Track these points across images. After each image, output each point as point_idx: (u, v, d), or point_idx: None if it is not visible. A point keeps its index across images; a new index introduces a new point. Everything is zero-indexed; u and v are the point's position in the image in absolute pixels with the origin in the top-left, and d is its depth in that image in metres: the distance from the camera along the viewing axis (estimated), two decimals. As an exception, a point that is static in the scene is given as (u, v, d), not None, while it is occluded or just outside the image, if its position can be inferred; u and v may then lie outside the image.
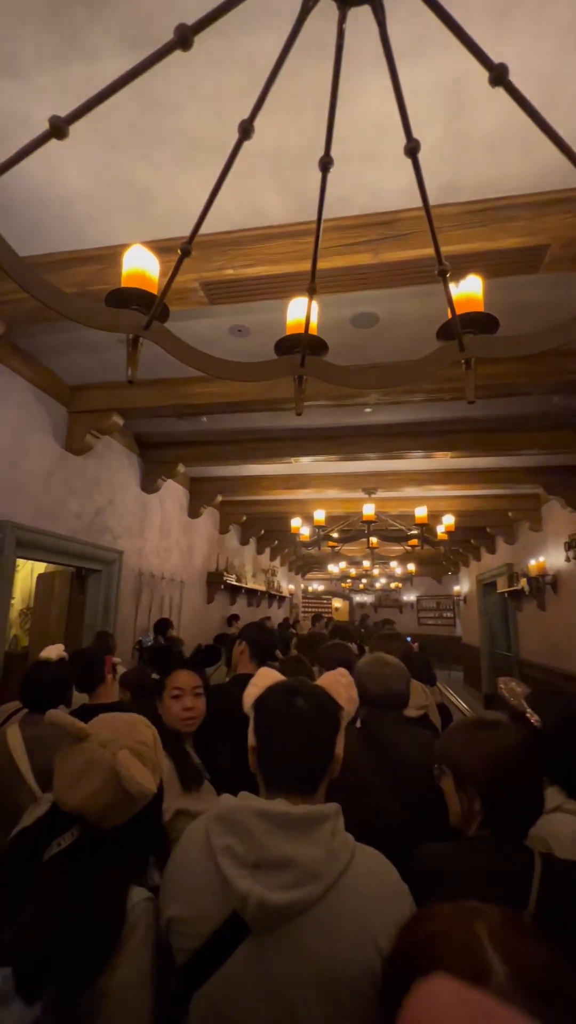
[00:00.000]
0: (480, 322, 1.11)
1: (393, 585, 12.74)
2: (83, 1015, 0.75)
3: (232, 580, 6.62)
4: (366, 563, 8.44)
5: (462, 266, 1.80)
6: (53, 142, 0.97)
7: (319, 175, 1.09)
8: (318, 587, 15.20)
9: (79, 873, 0.85)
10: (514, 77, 0.82)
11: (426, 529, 4.91)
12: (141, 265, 1.10)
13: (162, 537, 4.99)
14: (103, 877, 0.85)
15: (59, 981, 0.74)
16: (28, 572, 5.58)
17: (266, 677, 1.11)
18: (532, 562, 5.97)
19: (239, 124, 0.93)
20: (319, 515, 5.01)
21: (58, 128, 0.85)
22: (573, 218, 1.72)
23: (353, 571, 10.45)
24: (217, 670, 3.99)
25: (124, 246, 2.04)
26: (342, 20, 0.90)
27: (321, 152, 1.77)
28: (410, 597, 14.90)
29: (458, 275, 1.12)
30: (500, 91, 0.83)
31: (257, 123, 0.94)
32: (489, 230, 1.79)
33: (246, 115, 1.72)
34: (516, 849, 0.94)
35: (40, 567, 4.85)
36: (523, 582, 6.25)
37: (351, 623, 11.10)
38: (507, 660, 7.37)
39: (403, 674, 1.73)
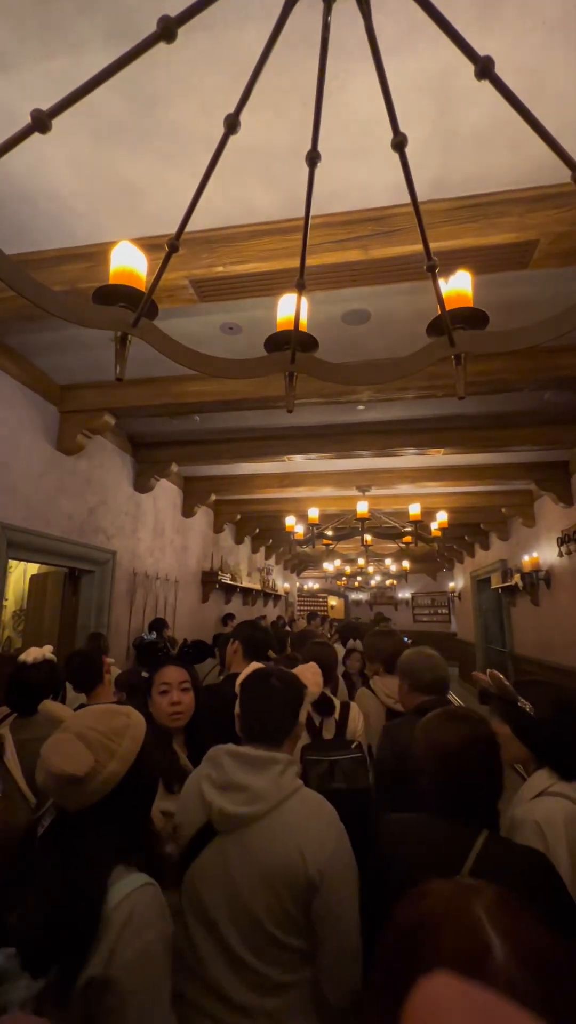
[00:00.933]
0: (470, 317, 1.11)
1: (388, 583, 12.77)
2: (91, 999, 0.76)
3: (227, 579, 6.61)
4: (361, 561, 8.46)
5: (452, 262, 1.80)
6: (40, 138, 0.96)
7: (307, 171, 1.09)
8: (313, 585, 15.21)
9: (57, 853, 0.89)
10: (501, 71, 0.82)
11: (420, 526, 4.93)
12: (129, 262, 1.09)
13: (156, 537, 4.97)
14: (77, 858, 0.88)
15: (58, 961, 0.77)
16: (21, 574, 5.54)
17: (254, 669, 1.44)
18: (525, 558, 6.00)
19: (225, 118, 0.92)
20: (313, 513, 5.01)
21: (41, 122, 0.84)
22: (562, 213, 1.72)
23: (348, 569, 10.46)
24: (212, 670, 3.99)
25: (114, 243, 2.04)
26: (327, 13, 0.89)
27: (308, 148, 1.77)
28: (405, 594, 14.94)
29: (448, 271, 1.12)
30: (488, 86, 0.83)
31: (246, 119, 0.93)
32: (479, 226, 1.79)
33: (233, 108, 1.71)
34: (464, 827, 1.05)
35: (33, 568, 4.82)
36: (517, 578, 6.28)
37: (357, 621, 11.11)
38: (501, 655, 7.41)
39: (444, 663, 1.93)
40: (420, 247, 1.86)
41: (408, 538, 5.09)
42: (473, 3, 1.25)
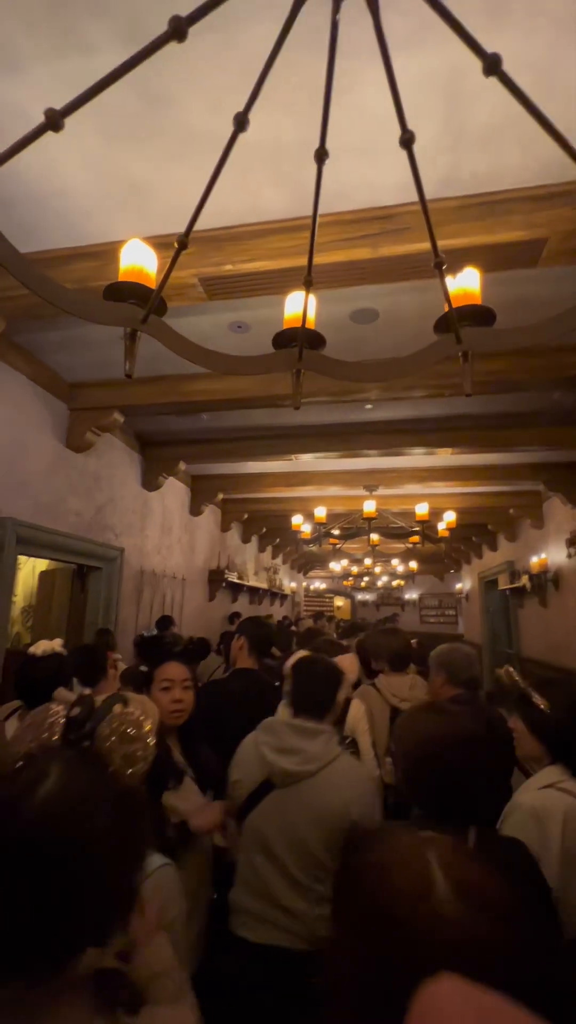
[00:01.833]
0: (477, 314, 1.11)
1: (395, 583, 12.73)
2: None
3: (234, 578, 6.63)
4: (368, 561, 8.44)
5: (460, 259, 1.79)
6: (51, 138, 0.97)
7: (316, 170, 1.10)
8: (320, 585, 15.20)
9: None
10: (510, 69, 0.82)
11: (427, 526, 4.91)
12: (139, 260, 1.11)
13: (163, 535, 5.00)
14: None
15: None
16: (30, 570, 5.59)
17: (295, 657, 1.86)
18: (534, 559, 5.96)
19: (234, 116, 0.93)
20: (320, 512, 5.01)
21: (53, 121, 0.85)
22: (572, 211, 1.71)
23: (355, 569, 10.45)
24: (218, 668, 4.00)
25: (123, 242, 2.06)
26: (336, 11, 0.90)
27: (316, 147, 1.77)
28: (412, 595, 14.88)
29: (456, 269, 1.12)
30: (497, 85, 0.83)
31: (255, 117, 0.94)
32: (487, 223, 1.78)
33: (242, 106, 1.72)
34: (452, 829, 1.00)
35: (42, 564, 4.86)
36: (525, 579, 6.25)
37: (362, 621, 11.10)
38: (508, 657, 7.37)
39: (477, 660, 2.12)
40: (429, 245, 1.86)
41: (415, 538, 5.08)
42: (483, 3, 1.25)
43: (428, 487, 5.56)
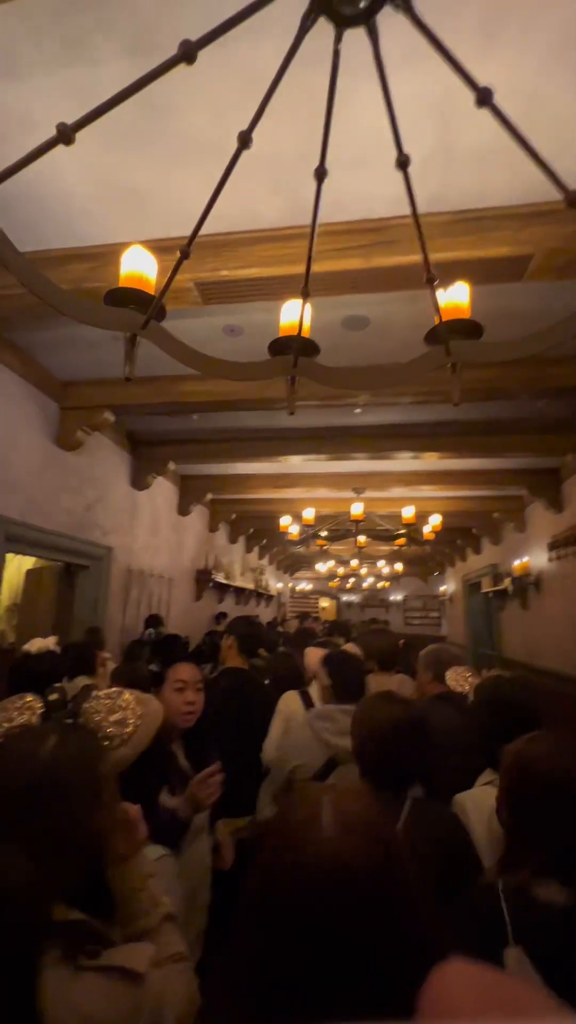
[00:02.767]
0: (466, 328, 1.16)
1: (380, 585, 12.84)
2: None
3: (221, 578, 6.65)
4: (354, 562, 8.52)
5: (449, 273, 1.85)
6: (52, 141, 1.00)
7: (312, 181, 1.14)
8: (306, 586, 15.25)
9: None
10: (500, 94, 0.87)
11: (413, 529, 4.99)
12: (139, 266, 1.14)
13: (151, 534, 5.01)
14: None
15: None
16: (16, 567, 5.55)
17: (315, 652, 2.07)
18: (516, 562, 6.08)
19: (239, 135, 0.98)
20: (308, 514, 5.06)
21: (65, 135, 0.89)
22: (556, 230, 1.79)
23: (341, 570, 10.52)
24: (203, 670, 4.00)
25: (120, 244, 2.08)
26: (338, 40, 0.94)
27: (314, 158, 1.82)
28: (396, 597, 15.02)
29: (445, 282, 1.17)
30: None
31: (254, 129, 0.98)
32: (475, 239, 1.85)
33: (242, 118, 1.75)
34: (394, 796, 1.18)
35: (28, 562, 4.83)
36: (507, 582, 6.37)
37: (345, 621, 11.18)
38: (491, 658, 7.49)
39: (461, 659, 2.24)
40: (419, 257, 1.92)
41: (402, 540, 5.16)
42: (475, 29, 1.31)
43: (414, 490, 5.65)
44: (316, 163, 1.81)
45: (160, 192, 1.86)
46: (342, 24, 0.89)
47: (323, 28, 1.01)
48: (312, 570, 12.42)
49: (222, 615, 6.96)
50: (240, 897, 0.60)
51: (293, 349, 1.21)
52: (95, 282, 2.11)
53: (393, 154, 1.09)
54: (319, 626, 8.20)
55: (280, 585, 12.24)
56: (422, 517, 5.65)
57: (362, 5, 0.84)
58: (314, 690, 2.26)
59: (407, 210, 1.95)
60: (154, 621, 4.54)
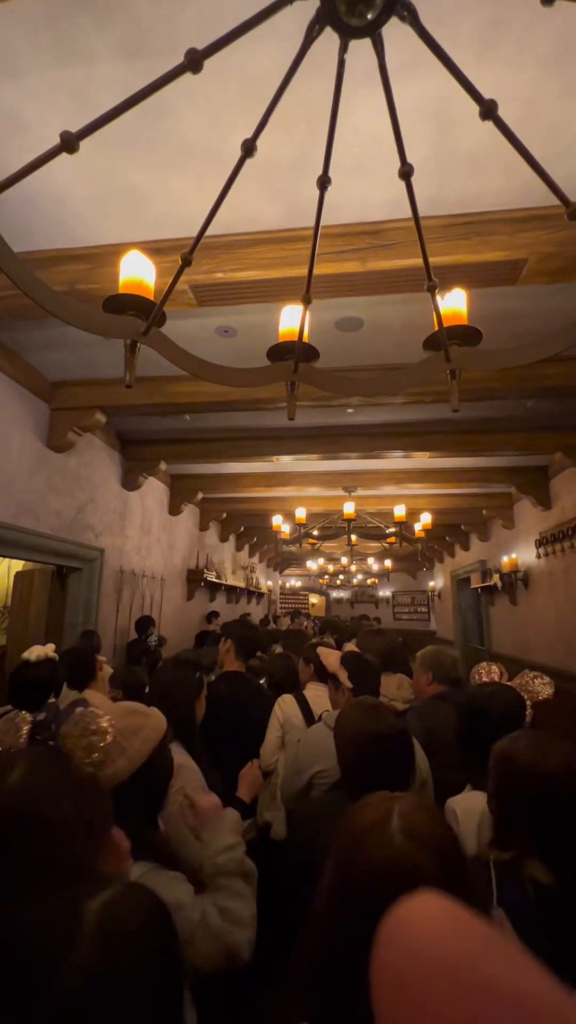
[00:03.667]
0: (465, 334, 1.17)
1: (369, 581, 12.92)
2: None
3: (212, 577, 6.63)
4: (344, 559, 8.56)
5: (444, 276, 1.87)
6: (48, 142, 0.97)
7: (309, 184, 1.13)
8: (295, 583, 15.29)
9: None
10: (498, 101, 0.88)
11: (404, 527, 5.03)
12: (138, 271, 1.13)
13: (143, 534, 4.97)
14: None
15: None
16: (5, 570, 5.48)
17: (331, 654, 2.00)
18: (504, 559, 6.16)
19: (243, 143, 0.97)
20: (300, 513, 5.07)
21: (69, 143, 0.87)
22: (550, 234, 1.81)
23: (331, 567, 10.56)
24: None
25: (114, 246, 2.06)
26: (343, 50, 0.94)
27: (311, 162, 1.82)
28: (386, 593, 15.13)
29: (442, 286, 1.18)
30: (485, 112, 0.89)
31: (252, 132, 0.97)
32: (471, 243, 1.86)
33: (238, 122, 1.75)
34: None
35: (17, 565, 4.78)
36: (496, 578, 6.45)
37: (336, 618, 11.24)
38: (480, 653, 7.59)
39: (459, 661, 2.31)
40: (414, 260, 1.93)
41: (393, 539, 5.19)
42: (472, 38, 1.32)
43: (405, 488, 5.69)
44: (312, 166, 1.81)
45: (155, 194, 1.84)
46: (348, 35, 0.88)
47: (325, 35, 1.01)
48: (302, 567, 12.45)
49: (214, 614, 6.95)
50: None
51: (294, 355, 1.21)
52: (89, 283, 2.09)
53: (389, 158, 1.09)
54: (311, 623, 8.23)
55: (270, 583, 12.25)
56: (412, 514, 5.70)
57: (369, 17, 0.84)
58: (309, 692, 2.27)
59: (403, 213, 1.97)
60: (145, 623, 4.52)
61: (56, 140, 0.88)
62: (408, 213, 0.96)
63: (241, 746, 2.06)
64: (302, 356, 1.20)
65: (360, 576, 11.72)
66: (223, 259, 2.00)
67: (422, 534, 5.46)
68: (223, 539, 7.87)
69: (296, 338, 1.20)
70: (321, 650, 2.11)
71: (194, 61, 0.86)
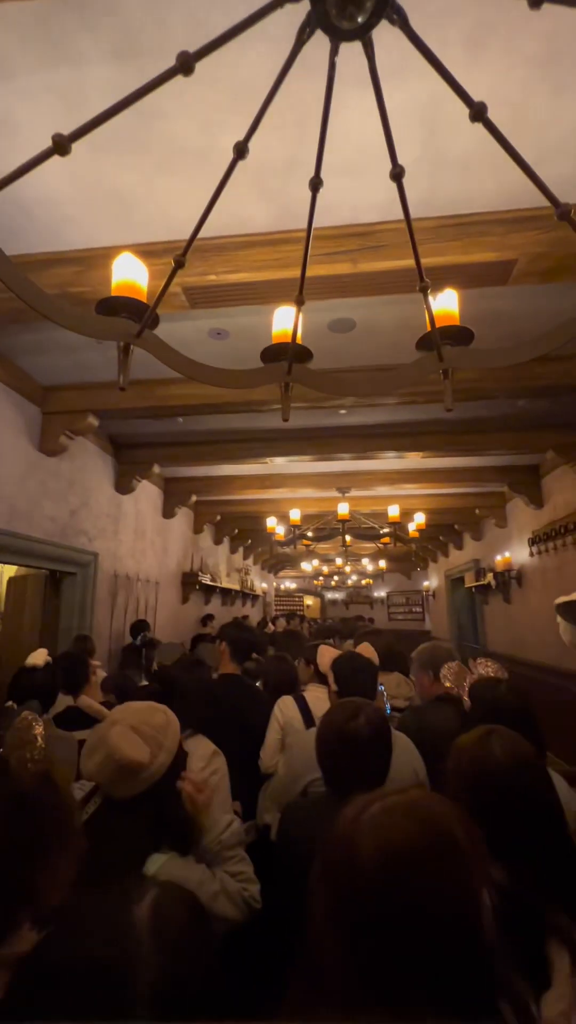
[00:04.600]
0: (457, 335, 1.18)
1: (364, 582, 12.94)
2: None
3: (207, 580, 6.62)
4: (339, 560, 8.56)
5: (436, 278, 1.88)
6: (37, 145, 0.97)
7: (301, 186, 1.13)
8: (290, 585, 15.28)
9: (97, 837, 0.95)
10: (488, 103, 0.89)
11: (398, 527, 5.05)
12: (130, 274, 1.13)
13: (137, 538, 4.95)
14: (117, 841, 1.00)
15: None
16: (-3, 575, 5.43)
17: (327, 653, 2.04)
18: (498, 557, 6.20)
19: (235, 145, 0.97)
20: (294, 514, 5.07)
21: (61, 145, 0.87)
22: (540, 235, 1.82)
23: (326, 569, 10.56)
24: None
25: (105, 249, 2.06)
26: (334, 53, 0.95)
27: (303, 164, 1.83)
28: (380, 593, 15.16)
29: (434, 287, 1.19)
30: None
31: (243, 134, 0.97)
32: (462, 244, 1.88)
33: (228, 124, 1.75)
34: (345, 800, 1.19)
35: (11, 570, 4.74)
36: (489, 577, 6.48)
37: (332, 621, 11.24)
38: (474, 652, 7.63)
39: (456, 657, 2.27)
40: (406, 262, 1.94)
41: (387, 539, 5.21)
42: (461, 40, 1.33)
43: (398, 489, 5.70)
44: (304, 168, 1.82)
45: (146, 196, 1.84)
46: (339, 38, 0.89)
47: (314, 38, 1.01)
48: (297, 569, 12.44)
49: (209, 617, 6.93)
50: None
51: (288, 356, 1.21)
52: (80, 286, 2.08)
53: (380, 160, 1.09)
54: (307, 625, 8.23)
55: (265, 585, 12.24)
56: (406, 514, 5.71)
57: (360, 20, 0.84)
58: (310, 693, 2.26)
59: (394, 215, 1.98)
60: (140, 627, 4.50)
61: (46, 142, 0.88)
62: (399, 214, 0.97)
63: (237, 748, 2.06)
64: (295, 357, 1.20)
65: (355, 577, 11.74)
66: (215, 261, 2.00)
67: (416, 534, 5.48)
68: (217, 542, 7.86)
69: (289, 339, 1.20)
70: (320, 648, 2.11)
71: (186, 64, 0.86)
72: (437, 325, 1.16)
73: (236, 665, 2.45)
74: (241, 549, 9.23)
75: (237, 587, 8.54)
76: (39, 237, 2.01)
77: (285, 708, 2.20)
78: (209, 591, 7.19)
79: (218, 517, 6.96)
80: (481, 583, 6.87)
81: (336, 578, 11.67)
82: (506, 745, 1.02)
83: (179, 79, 1.43)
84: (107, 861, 0.92)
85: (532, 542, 5.33)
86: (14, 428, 3.17)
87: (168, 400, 3.31)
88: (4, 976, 0.63)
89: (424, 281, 1.11)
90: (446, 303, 1.24)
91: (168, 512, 5.64)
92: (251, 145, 1.71)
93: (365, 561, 9.88)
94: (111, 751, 1.00)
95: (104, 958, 0.51)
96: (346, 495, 5.50)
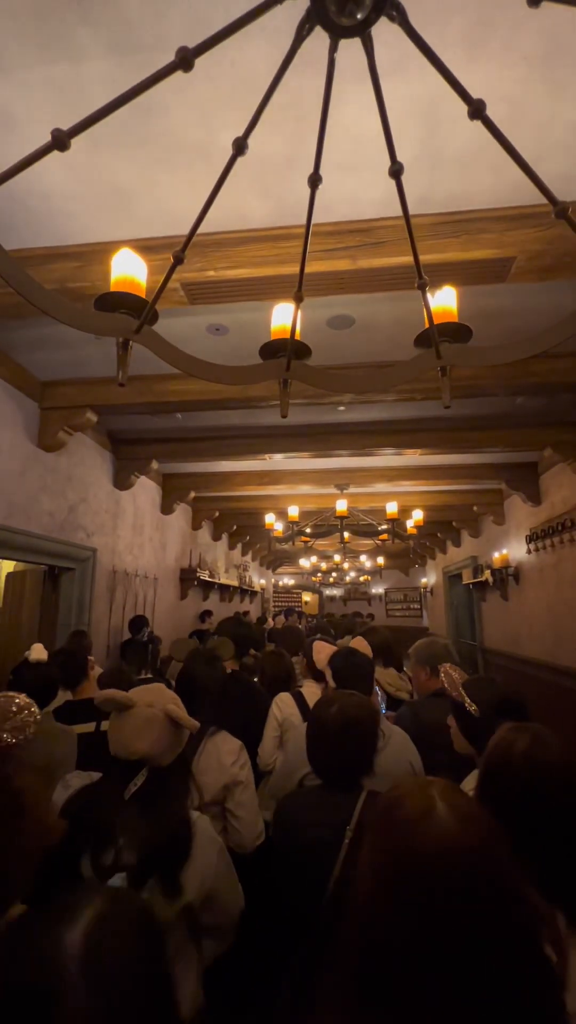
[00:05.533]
0: (456, 331, 1.19)
1: (362, 578, 12.97)
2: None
3: (205, 576, 6.63)
4: (337, 557, 8.58)
5: (434, 274, 1.89)
6: (35, 140, 0.97)
7: (300, 182, 1.13)
8: (288, 581, 15.30)
9: (156, 803, 1.14)
10: (487, 100, 0.89)
11: (396, 524, 5.05)
12: (129, 270, 1.13)
13: (135, 534, 4.96)
14: (172, 804, 1.17)
15: (160, 875, 1.07)
16: (-5, 571, 5.43)
17: (323, 649, 2.06)
18: (496, 554, 6.22)
19: (234, 141, 0.97)
20: (293, 511, 5.08)
21: (61, 141, 0.87)
22: (539, 233, 1.83)
23: (324, 565, 10.58)
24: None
25: (103, 244, 2.05)
26: (333, 49, 0.95)
27: (302, 159, 1.83)
28: (378, 590, 15.19)
29: (432, 284, 1.19)
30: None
31: (243, 130, 0.98)
32: (461, 241, 1.88)
33: (228, 119, 1.75)
34: (347, 793, 1.29)
35: (9, 566, 4.74)
36: (487, 574, 6.50)
37: (327, 621, 11.27)
38: (472, 648, 7.66)
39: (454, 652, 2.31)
40: (405, 259, 1.95)
41: (385, 536, 5.22)
42: (460, 37, 1.33)
43: (396, 485, 5.71)
44: (303, 164, 1.82)
45: (144, 191, 1.84)
46: (338, 34, 0.89)
47: (314, 34, 1.01)
48: (295, 565, 12.46)
49: (207, 613, 6.95)
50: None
51: (287, 352, 1.22)
52: (79, 281, 2.08)
53: (380, 156, 1.09)
54: (304, 621, 8.25)
55: (263, 581, 12.26)
56: (404, 511, 5.72)
57: (359, 17, 0.85)
58: (307, 689, 2.28)
59: (393, 212, 1.98)
60: (139, 623, 4.51)
61: (44, 135, 0.88)
62: (399, 210, 0.97)
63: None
64: (294, 354, 1.21)
65: (353, 573, 11.77)
66: (214, 257, 2.00)
67: (414, 531, 5.49)
68: (216, 538, 7.86)
69: (288, 336, 1.20)
70: (316, 644, 2.11)
71: (185, 59, 0.86)
72: (435, 322, 1.16)
73: (234, 661, 2.46)
74: (239, 545, 9.24)
75: (235, 583, 8.56)
76: (37, 232, 2.00)
77: (283, 705, 2.21)
78: (207, 587, 7.20)
79: (216, 513, 6.97)
80: (479, 580, 6.89)
81: (334, 575, 11.70)
82: (556, 745, 1.05)
83: (179, 74, 1.43)
84: (160, 817, 1.12)
85: (530, 539, 5.34)
86: (12, 423, 3.17)
87: (167, 396, 3.31)
88: None
89: (423, 278, 1.12)
90: (444, 300, 1.24)
91: (167, 508, 5.64)
92: (251, 141, 1.72)
93: (363, 558, 9.90)
94: (183, 721, 1.18)
95: (24, 988, 0.47)
96: (344, 492, 5.51)
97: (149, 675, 3.19)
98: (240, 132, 0.95)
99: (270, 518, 5.64)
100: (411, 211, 1.89)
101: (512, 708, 1.41)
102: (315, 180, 1.08)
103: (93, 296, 0.99)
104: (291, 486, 5.60)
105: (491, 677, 1.69)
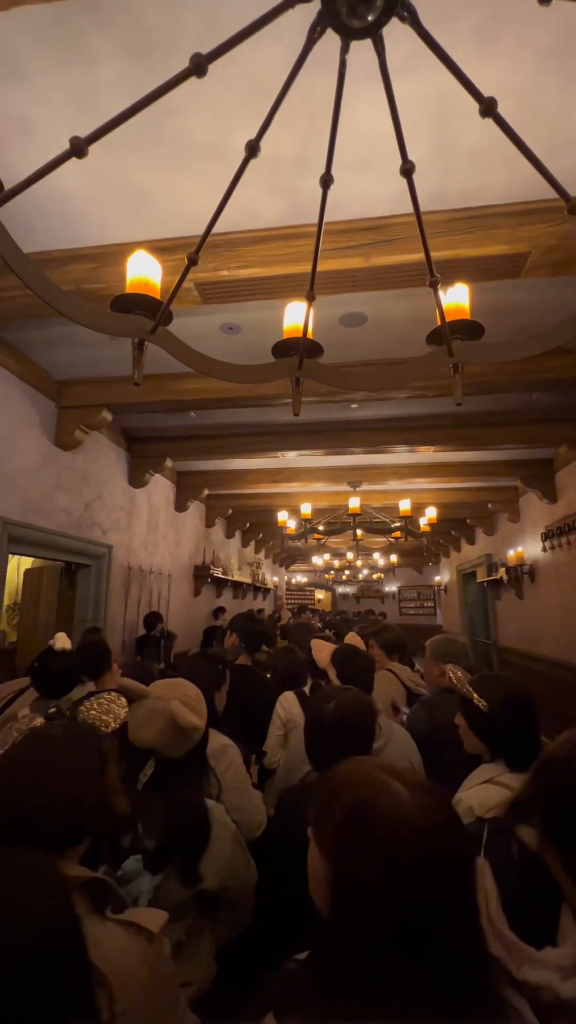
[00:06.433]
0: (468, 329, 1.19)
1: (375, 576, 12.93)
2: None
3: (218, 573, 6.68)
4: (350, 555, 8.57)
5: (447, 270, 1.89)
6: (52, 144, 0.99)
7: (312, 181, 1.14)
8: (301, 579, 15.32)
9: (170, 793, 1.20)
10: (498, 96, 0.89)
11: (409, 521, 5.04)
12: (144, 271, 1.16)
13: (149, 531, 5.02)
14: (185, 794, 1.23)
15: (178, 861, 1.14)
16: (14, 567, 5.55)
17: (323, 648, 2.04)
18: (510, 552, 6.16)
19: (247, 144, 0.99)
20: (306, 508, 5.09)
21: (79, 148, 0.90)
22: (552, 228, 1.81)
23: (337, 563, 10.58)
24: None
25: (119, 245, 2.09)
26: (345, 50, 0.96)
27: (313, 159, 1.84)
28: (392, 587, 15.13)
29: (445, 280, 1.20)
30: (486, 108, 0.90)
31: (255, 131, 0.99)
32: (474, 237, 1.87)
33: (241, 120, 1.77)
34: None
35: (27, 562, 4.84)
36: (502, 571, 6.45)
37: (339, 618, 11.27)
38: (486, 647, 7.60)
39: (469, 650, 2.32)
40: (417, 256, 1.95)
41: (398, 533, 5.21)
42: (472, 33, 1.33)
43: (410, 483, 5.69)
44: (315, 163, 1.83)
45: (159, 193, 1.86)
46: (349, 36, 0.90)
47: (325, 35, 1.02)
48: (308, 563, 12.47)
49: (220, 609, 7.00)
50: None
51: (299, 351, 1.23)
52: (96, 283, 2.12)
53: (391, 153, 1.09)
54: (316, 618, 8.27)
55: (276, 579, 12.30)
56: (418, 509, 5.70)
57: (370, 18, 0.86)
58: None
59: (405, 209, 1.98)
60: (153, 619, 4.57)
61: (61, 140, 0.90)
62: (411, 208, 0.98)
63: (245, 740, 2.10)
64: (307, 352, 1.22)
65: (366, 571, 11.74)
66: (227, 257, 2.02)
67: (427, 528, 5.47)
68: (229, 535, 7.91)
69: (300, 334, 1.22)
70: (314, 643, 2.11)
71: (199, 65, 0.88)
72: (448, 319, 1.17)
73: (246, 656, 2.49)
74: (253, 543, 9.28)
75: (248, 580, 8.60)
76: (54, 234, 2.04)
77: (287, 704, 2.20)
78: (221, 584, 7.25)
79: (230, 511, 7.01)
80: (493, 578, 6.83)
81: (347, 572, 11.69)
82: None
83: (197, 80, 1.45)
84: (176, 804, 1.18)
85: (545, 537, 5.29)
86: (29, 422, 3.23)
87: (181, 395, 3.35)
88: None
89: (435, 276, 1.12)
90: (457, 297, 1.25)
91: (180, 506, 5.69)
92: (263, 141, 1.73)
93: (376, 555, 9.87)
94: (179, 719, 1.21)
95: None
96: (357, 489, 5.50)
97: (162, 666, 3.24)
98: (254, 132, 0.96)
99: (283, 515, 5.66)
100: (423, 207, 1.90)
101: (521, 704, 1.41)
102: (327, 180, 1.09)
103: (109, 297, 1.01)
104: (304, 484, 5.61)
105: (497, 674, 1.68)
